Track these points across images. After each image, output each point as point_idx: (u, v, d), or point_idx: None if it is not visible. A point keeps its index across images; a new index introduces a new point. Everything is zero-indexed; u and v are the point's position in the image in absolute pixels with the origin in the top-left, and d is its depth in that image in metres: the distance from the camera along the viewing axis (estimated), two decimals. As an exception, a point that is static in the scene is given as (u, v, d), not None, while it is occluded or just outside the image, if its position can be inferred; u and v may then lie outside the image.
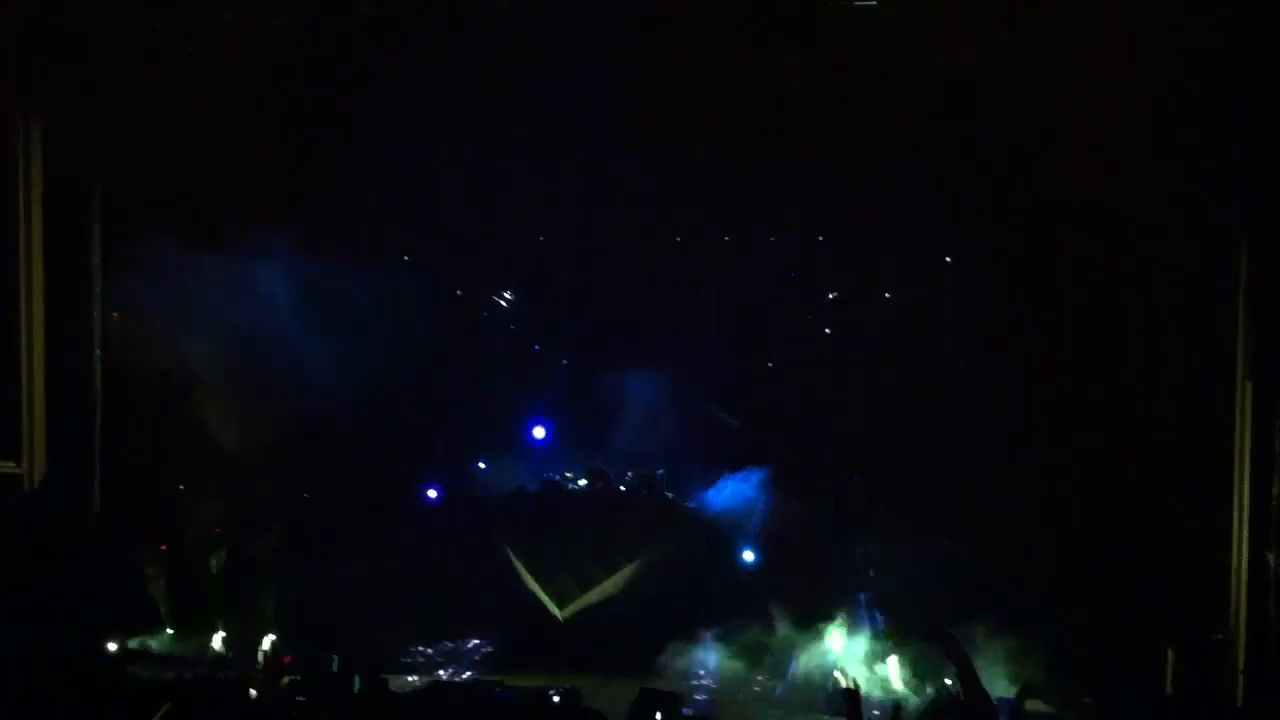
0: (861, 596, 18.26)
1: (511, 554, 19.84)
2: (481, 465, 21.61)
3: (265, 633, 17.94)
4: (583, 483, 21.13)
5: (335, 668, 15.51)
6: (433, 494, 20.94)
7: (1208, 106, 16.40)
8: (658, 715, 14.47)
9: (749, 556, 19.60)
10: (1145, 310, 17.54)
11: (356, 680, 14.96)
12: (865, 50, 17.69)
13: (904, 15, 17.49)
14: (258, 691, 14.84)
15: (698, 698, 16.72)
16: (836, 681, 16.79)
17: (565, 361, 21.70)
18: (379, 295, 19.72)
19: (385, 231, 20.51)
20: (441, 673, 17.74)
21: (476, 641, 18.52)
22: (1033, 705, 15.50)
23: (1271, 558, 15.73)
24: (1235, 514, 16.06)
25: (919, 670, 17.21)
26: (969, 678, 15.11)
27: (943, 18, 17.34)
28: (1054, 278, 18.48)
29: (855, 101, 18.36)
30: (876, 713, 16.01)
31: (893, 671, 17.39)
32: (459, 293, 21.68)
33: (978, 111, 18.02)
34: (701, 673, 17.89)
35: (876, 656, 17.72)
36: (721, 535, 19.91)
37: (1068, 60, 17.04)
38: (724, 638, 18.27)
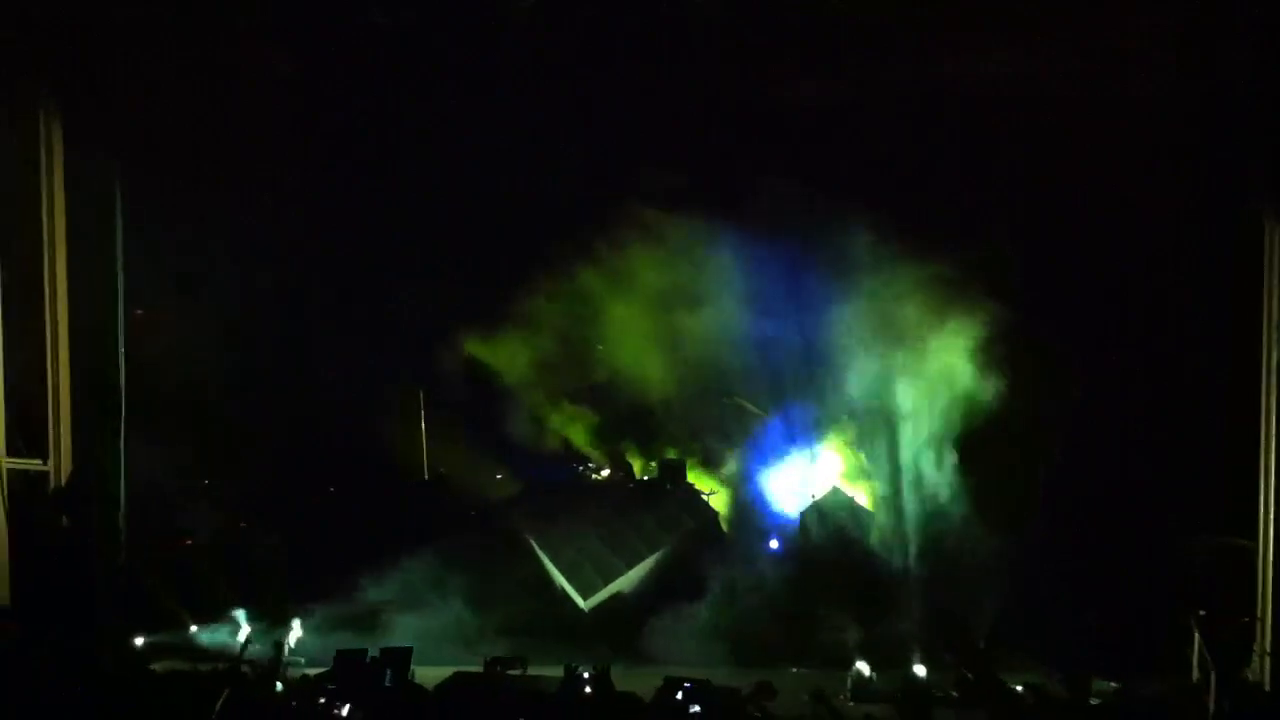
0: None
1: (535, 545, 19.94)
2: None
3: (288, 626, 18.06)
4: (605, 473, 21.25)
5: (368, 660, 15.55)
6: None
7: (1225, 101, 16.51)
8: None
9: (774, 544, 19.74)
10: (1169, 298, 17.67)
11: (388, 673, 15.03)
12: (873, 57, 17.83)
13: (911, 22, 17.59)
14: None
15: (720, 684, 16.72)
16: (859, 671, 16.88)
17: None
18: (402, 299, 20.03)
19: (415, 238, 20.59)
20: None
21: (501, 632, 18.53)
22: (1054, 690, 15.59)
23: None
24: (1261, 497, 16.14)
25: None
26: (979, 667, 15.29)
27: (945, 23, 17.48)
28: (1069, 271, 18.57)
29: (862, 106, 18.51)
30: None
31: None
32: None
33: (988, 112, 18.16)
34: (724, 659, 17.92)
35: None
36: (745, 523, 20.06)
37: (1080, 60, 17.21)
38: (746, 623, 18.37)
